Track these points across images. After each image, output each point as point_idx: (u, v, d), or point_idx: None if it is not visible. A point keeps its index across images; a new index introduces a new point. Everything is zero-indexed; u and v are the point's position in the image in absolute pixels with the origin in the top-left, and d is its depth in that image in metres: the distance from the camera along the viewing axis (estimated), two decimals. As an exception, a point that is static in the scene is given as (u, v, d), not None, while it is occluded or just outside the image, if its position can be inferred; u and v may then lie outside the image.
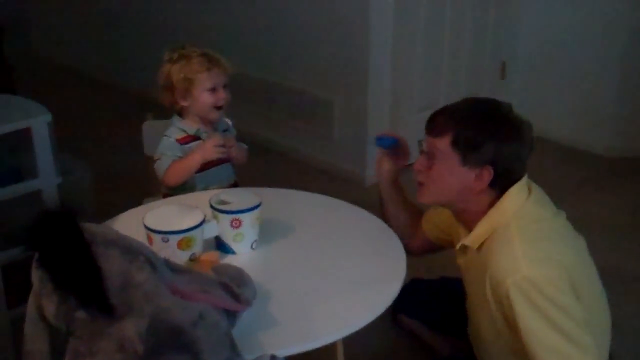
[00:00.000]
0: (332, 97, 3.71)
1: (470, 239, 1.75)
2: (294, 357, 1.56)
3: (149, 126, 2.56)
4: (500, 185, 1.72)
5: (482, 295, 1.69)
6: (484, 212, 1.73)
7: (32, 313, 1.37)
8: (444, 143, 1.70)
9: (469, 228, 1.77)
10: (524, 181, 1.75)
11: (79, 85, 5.23)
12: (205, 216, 1.80)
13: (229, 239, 1.85)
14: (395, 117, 3.71)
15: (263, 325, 1.59)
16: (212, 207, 1.85)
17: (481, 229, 1.72)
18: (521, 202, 1.71)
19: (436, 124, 1.74)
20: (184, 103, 2.26)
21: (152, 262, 1.40)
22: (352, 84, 3.60)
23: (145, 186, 2.68)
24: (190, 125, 2.29)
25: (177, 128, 2.29)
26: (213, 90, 2.23)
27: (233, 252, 1.87)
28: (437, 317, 2.35)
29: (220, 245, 1.87)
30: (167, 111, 2.51)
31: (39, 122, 2.39)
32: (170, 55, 2.27)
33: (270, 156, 3.94)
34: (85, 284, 1.29)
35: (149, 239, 1.74)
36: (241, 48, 4.11)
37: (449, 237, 2.02)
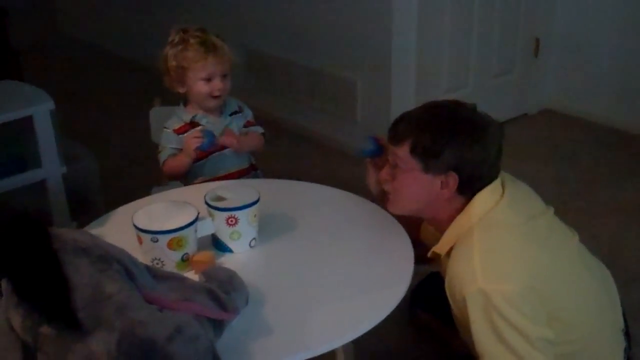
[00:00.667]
0: (354, 78, 3.58)
1: (439, 246, 1.71)
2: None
3: (157, 112, 2.47)
4: (470, 190, 1.66)
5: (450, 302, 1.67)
6: (453, 218, 1.67)
7: (2, 323, 1.29)
8: (403, 151, 1.66)
9: (441, 234, 1.72)
10: (495, 184, 1.68)
11: (105, 65, 5.19)
12: (198, 214, 1.70)
13: (225, 237, 1.75)
14: (421, 98, 3.52)
15: (255, 333, 1.49)
16: (206, 203, 1.75)
17: (448, 236, 1.68)
18: (489, 206, 1.65)
19: (396, 132, 1.69)
20: (180, 89, 2.18)
21: (129, 270, 1.32)
22: (375, 64, 3.46)
23: (154, 174, 2.60)
24: (187, 112, 2.21)
25: (176, 117, 2.21)
26: (208, 79, 2.13)
27: (230, 251, 1.76)
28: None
29: (217, 243, 1.77)
30: (176, 96, 2.43)
31: (41, 110, 2.33)
32: (172, 37, 2.17)
33: (291, 138, 3.85)
34: (50, 297, 1.20)
35: (139, 239, 1.65)
36: (262, 28, 4.00)
37: None
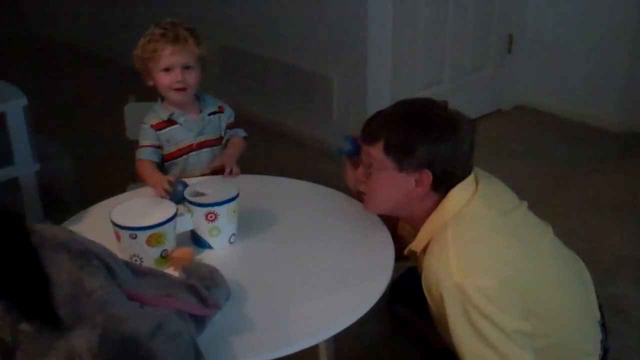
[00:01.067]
0: (330, 74, 3.57)
1: (415, 243, 1.71)
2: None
3: (131, 108, 2.44)
4: (443, 186, 1.67)
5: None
6: (428, 215, 1.68)
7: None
8: (377, 150, 1.66)
9: (417, 232, 1.73)
10: (469, 179, 1.69)
11: (74, 62, 5.13)
12: (177, 209, 1.69)
13: (204, 233, 1.74)
14: (397, 94, 3.55)
15: (237, 329, 1.48)
16: (185, 199, 1.73)
17: (423, 233, 1.69)
18: (463, 202, 1.66)
19: (369, 131, 1.69)
20: (149, 83, 2.14)
21: (109, 266, 1.30)
22: (350, 60, 3.46)
23: (129, 172, 2.57)
24: (165, 109, 2.17)
25: (154, 112, 2.17)
26: (167, 70, 2.08)
27: (209, 247, 1.75)
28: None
29: (196, 239, 1.76)
30: (150, 92, 2.40)
31: (13, 106, 2.28)
32: (146, 32, 2.13)
33: (267, 135, 3.83)
34: (30, 293, 1.17)
35: (117, 236, 1.63)
36: (237, 24, 3.98)
37: None
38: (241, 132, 2.26)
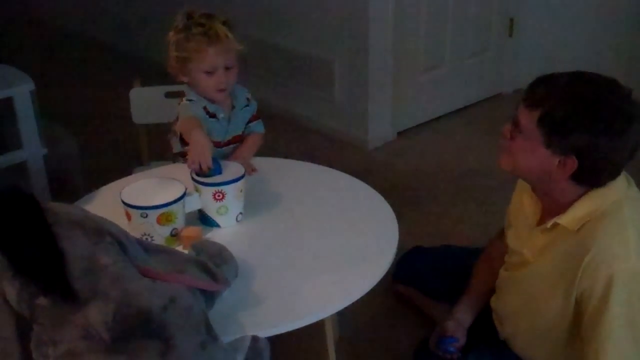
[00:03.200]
0: (332, 58, 3.60)
1: (568, 220, 1.55)
2: (282, 335, 1.49)
3: (137, 93, 2.47)
4: (586, 181, 1.54)
5: (559, 278, 1.56)
6: (569, 204, 1.56)
7: (-4, 298, 1.30)
8: (530, 118, 1.51)
9: (555, 209, 1.60)
10: (622, 175, 1.57)
11: (78, 48, 5.15)
12: (186, 189, 1.72)
13: (212, 212, 1.77)
14: (398, 78, 3.59)
15: (245, 304, 1.52)
16: (193, 179, 1.77)
17: (582, 211, 1.54)
18: (624, 188, 1.55)
19: (532, 94, 1.52)
20: (184, 79, 2.02)
21: (121, 242, 1.33)
22: (352, 44, 3.48)
23: (136, 155, 2.61)
24: (204, 100, 2.02)
25: (200, 99, 2.02)
26: (211, 72, 1.96)
27: (217, 226, 1.79)
28: (436, 285, 2.29)
29: (203, 218, 1.80)
30: (155, 77, 2.42)
31: (21, 91, 2.31)
32: (177, 22, 1.99)
33: (269, 119, 3.83)
34: (46, 269, 1.21)
35: (127, 215, 1.67)
36: (238, 9, 3.99)
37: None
38: (260, 128, 2.17)
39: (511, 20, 4.01)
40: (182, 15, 1.98)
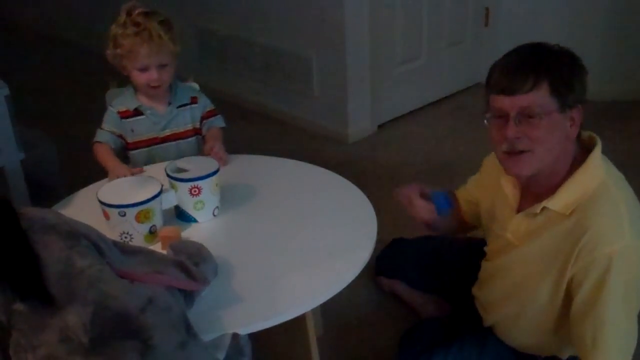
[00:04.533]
0: (310, 54, 3.60)
1: (560, 205, 1.57)
2: (265, 332, 1.49)
3: (113, 94, 2.45)
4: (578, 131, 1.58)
5: (550, 261, 1.58)
6: (556, 186, 1.57)
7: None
8: (541, 94, 1.50)
9: (543, 192, 1.60)
10: (598, 148, 1.60)
11: (54, 52, 5.11)
12: (162, 186, 1.72)
13: (189, 207, 1.78)
14: (376, 71, 3.60)
15: (225, 302, 1.52)
16: (168, 175, 1.77)
17: (571, 194, 1.56)
18: (605, 169, 1.58)
19: (524, 79, 1.51)
20: (124, 72, 2.10)
21: (98, 245, 1.33)
22: (329, 39, 3.48)
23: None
24: (135, 98, 2.14)
25: (124, 97, 2.16)
26: (143, 69, 2.04)
27: (195, 221, 1.80)
28: (418, 276, 2.31)
29: (180, 214, 1.81)
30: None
31: (-5, 96, 2.30)
32: (119, 16, 2.05)
33: (248, 115, 3.85)
34: (22, 274, 1.20)
35: (105, 215, 1.67)
36: (216, 5, 3.99)
37: (477, 208, 1.91)
38: (219, 122, 2.23)
39: (487, 9, 4.03)
40: (124, 9, 2.04)
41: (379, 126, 3.74)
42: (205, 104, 2.22)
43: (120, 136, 2.14)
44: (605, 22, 3.77)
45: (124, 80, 2.45)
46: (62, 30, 5.25)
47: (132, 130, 2.14)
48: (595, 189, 1.54)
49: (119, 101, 2.16)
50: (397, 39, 3.66)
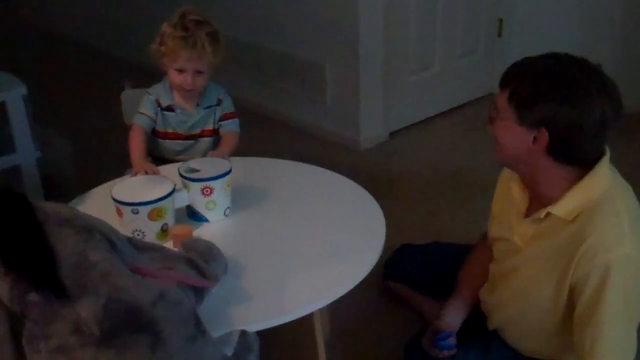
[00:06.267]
0: (323, 61, 3.62)
1: (563, 210, 1.58)
2: (273, 330, 1.52)
3: (128, 95, 2.49)
4: (563, 157, 1.57)
5: (552, 266, 1.60)
6: (558, 196, 1.59)
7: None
8: (502, 98, 1.58)
9: (544, 199, 1.63)
10: (607, 158, 1.60)
11: (69, 53, 5.16)
12: (175, 185, 1.76)
13: (201, 207, 1.81)
14: (389, 79, 3.62)
15: (234, 299, 1.55)
16: (181, 175, 1.81)
17: (575, 200, 1.57)
18: (611, 178, 1.59)
19: (504, 76, 1.60)
20: (163, 69, 2.19)
21: (111, 240, 1.36)
22: (342, 47, 3.50)
23: (127, 157, 2.62)
24: (169, 94, 2.22)
25: (161, 87, 2.23)
26: (180, 71, 2.13)
27: (206, 220, 1.83)
28: (426, 281, 2.31)
29: (192, 214, 1.83)
30: (146, 80, 2.44)
31: (13, 95, 2.33)
32: (172, 17, 2.14)
33: (261, 121, 3.88)
34: (37, 265, 1.24)
35: (118, 212, 1.70)
36: (231, 12, 4.02)
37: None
38: (235, 127, 2.27)
39: (500, 20, 4.05)
40: (178, 12, 2.12)
41: (391, 134, 3.76)
42: (227, 105, 2.28)
43: (154, 120, 2.22)
44: (619, 33, 3.77)
45: (138, 83, 2.50)
46: (80, 32, 5.29)
47: (162, 121, 2.22)
48: (599, 196, 1.56)
49: (157, 91, 2.23)
50: (411, 47, 3.68)
